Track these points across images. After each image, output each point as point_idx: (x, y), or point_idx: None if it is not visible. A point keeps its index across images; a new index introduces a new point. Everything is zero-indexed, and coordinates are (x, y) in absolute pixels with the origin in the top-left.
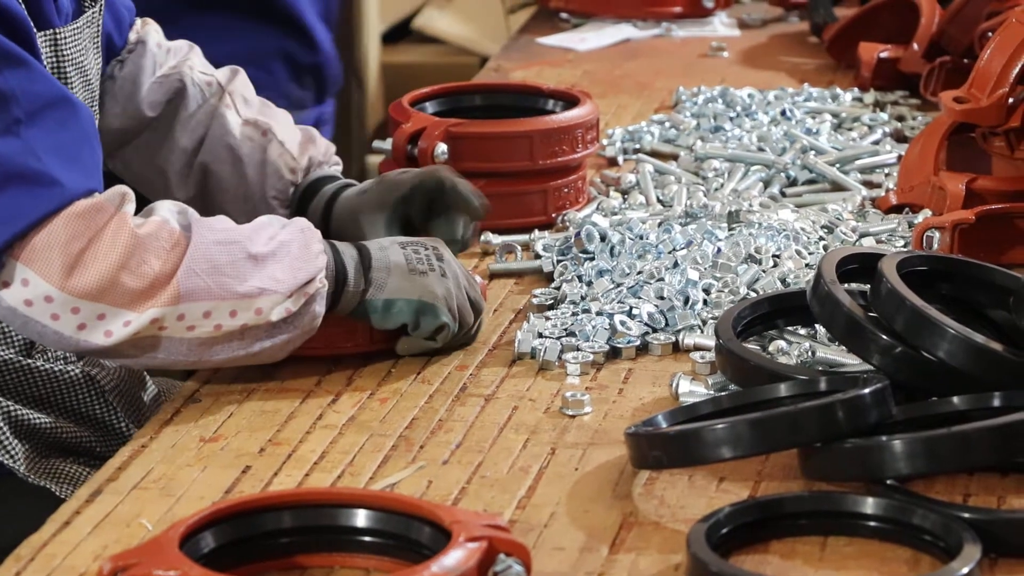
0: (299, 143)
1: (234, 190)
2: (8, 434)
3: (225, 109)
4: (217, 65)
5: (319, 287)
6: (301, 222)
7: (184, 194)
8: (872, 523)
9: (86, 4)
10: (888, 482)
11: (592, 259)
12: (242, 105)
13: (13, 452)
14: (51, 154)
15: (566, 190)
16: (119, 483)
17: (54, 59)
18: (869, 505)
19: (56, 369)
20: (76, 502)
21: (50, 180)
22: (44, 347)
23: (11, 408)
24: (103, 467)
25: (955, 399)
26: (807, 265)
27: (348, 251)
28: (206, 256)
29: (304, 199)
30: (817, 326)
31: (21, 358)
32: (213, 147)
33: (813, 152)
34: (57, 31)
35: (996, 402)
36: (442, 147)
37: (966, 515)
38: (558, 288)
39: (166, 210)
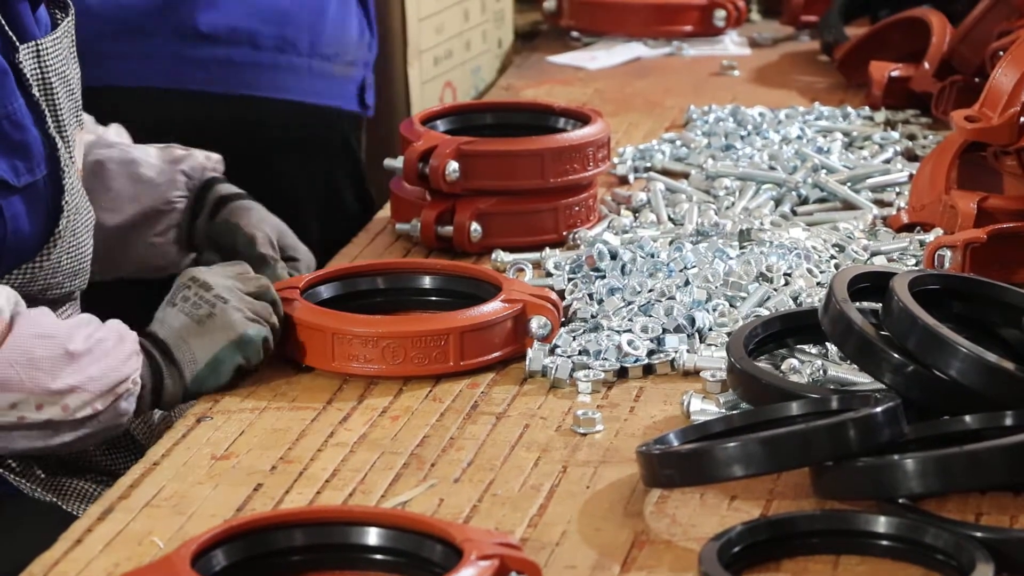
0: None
1: (120, 188)
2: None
3: (102, 129)
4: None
5: (130, 387)
6: (118, 325)
7: None
8: (884, 542)
9: (59, 16)
10: (900, 501)
11: (603, 277)
12: (117, 130)
13: (22, 472)
14: None
15: (577, 208)
16: (131, 501)
17: (38, 71)
18: (881, 524)
19: None
20: (88, 520)
21: None
22: None
23: None
24: (115, 485)
25: (967, 418)
26: (818, 284)
27: (150, 346)
28: (24, 348)
29: (202, 190)
30: (829, 345)
31: None
32: (102, 148)
33: (824, 171)
34: (39, 43)
35: (1008, 421)
36: (453, 165)
37: (978, 534)
38: (569, 306)
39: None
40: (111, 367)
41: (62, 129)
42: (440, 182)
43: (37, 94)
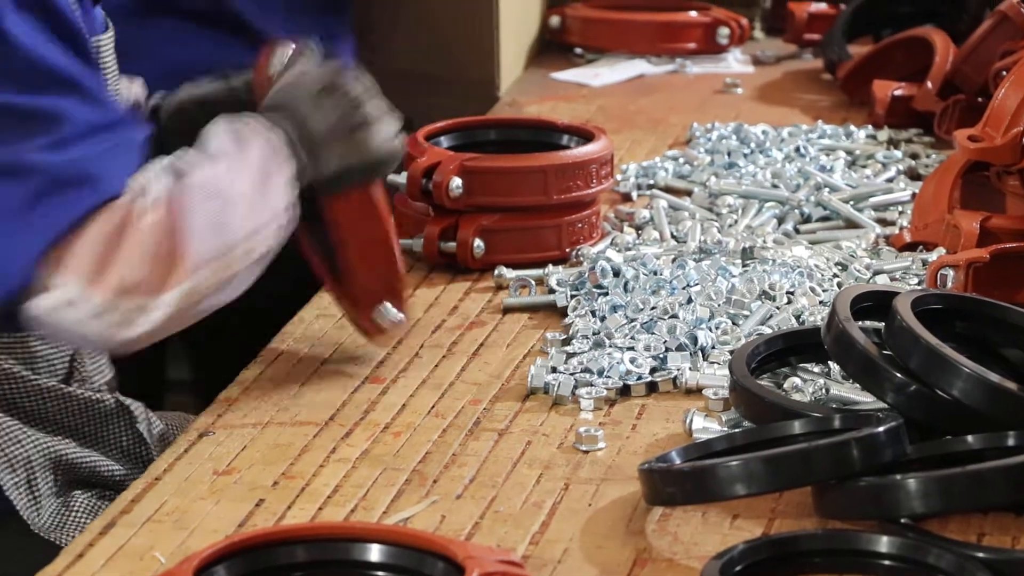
0: None
1: None
2: (22, 473)
3: None
4: (177, 74)
5: (290, 215)
6: (262, 135)
7: None
8: (886, 562)
9: (107, 21)
10: (902, 521)
11: (606, 294)
12: None
13: (23, 494)
14: (91, 165)
15: (580, 225)
16: (132, 516)
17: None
18: (883, 544)
19: (93, 398)
20: (89, 535)
21: (87, 183)
22: (82, 376)
23: (40, 440)
24: (116, 500)
25: (969, 438)
26: (821, 302)
27: (292, 132)
28: (205, 219)
29: None
30: (831, 363)
31: (62, 386)
32: None
33: (827, 189)
34: (99, 39)
35: (1011, 441)
36: (457, 181)
37: (980, 555)
38: (571, 323)
39: (156, 181)
40: (279, 192)
41: None
42: (443, 198)
43: None
